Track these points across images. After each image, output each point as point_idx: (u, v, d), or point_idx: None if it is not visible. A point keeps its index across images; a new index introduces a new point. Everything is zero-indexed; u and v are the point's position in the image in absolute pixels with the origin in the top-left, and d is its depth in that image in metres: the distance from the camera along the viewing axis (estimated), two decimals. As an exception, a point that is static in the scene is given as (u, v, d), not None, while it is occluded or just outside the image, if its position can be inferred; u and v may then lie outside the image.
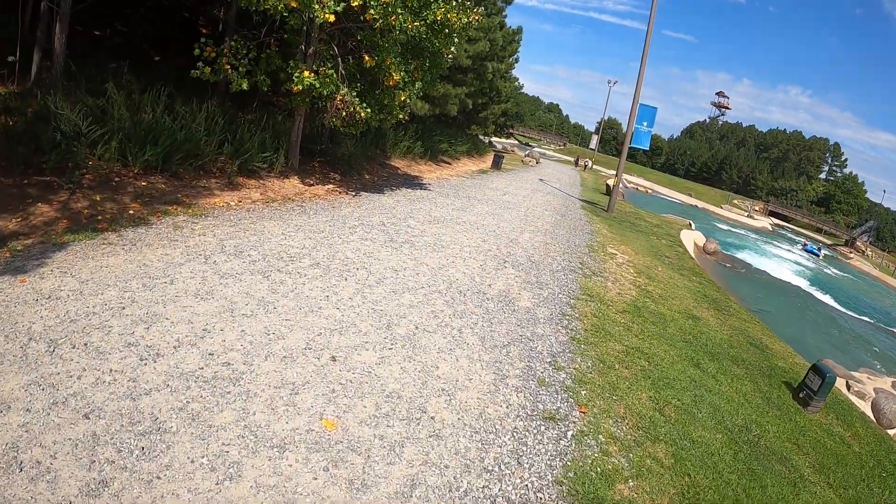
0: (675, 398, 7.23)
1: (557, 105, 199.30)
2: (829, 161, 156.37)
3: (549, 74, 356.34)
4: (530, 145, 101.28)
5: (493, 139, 66.42)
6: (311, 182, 15.06)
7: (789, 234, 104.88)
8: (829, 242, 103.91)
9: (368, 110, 13.49)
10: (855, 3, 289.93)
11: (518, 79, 53.96)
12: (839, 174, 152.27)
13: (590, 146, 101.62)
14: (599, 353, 8.12)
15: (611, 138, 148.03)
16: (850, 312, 40.01)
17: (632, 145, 27.86)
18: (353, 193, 15.39)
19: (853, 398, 12.06)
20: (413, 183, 20.46)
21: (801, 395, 8.62)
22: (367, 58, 13.31)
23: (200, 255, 8.07)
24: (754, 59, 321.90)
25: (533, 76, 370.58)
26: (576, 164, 74.75)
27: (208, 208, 10.54)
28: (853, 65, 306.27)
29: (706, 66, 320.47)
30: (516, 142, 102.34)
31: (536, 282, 11.07)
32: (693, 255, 24.61)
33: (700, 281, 16.85)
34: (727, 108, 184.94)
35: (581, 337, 8.60)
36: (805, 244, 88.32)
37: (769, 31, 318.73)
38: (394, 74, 13.48)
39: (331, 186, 15.37)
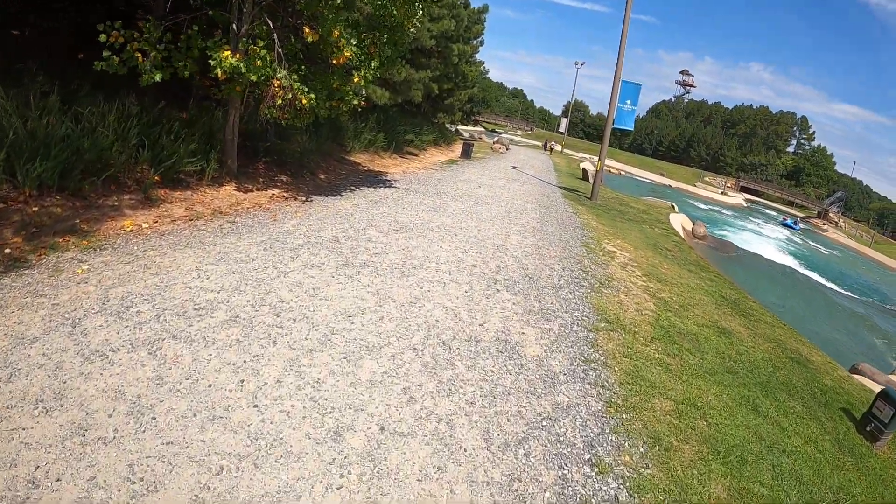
0: (754, 480, 5.37)
1: (522, 90, 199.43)
2: (797, 135, 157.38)
3: (513, 60, 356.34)
4: (497, 132, 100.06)
5: (460, 127, 64.68)
6: (252, 188, 12.43)
7: (764, 210, 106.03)
8: (801, 215, 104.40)
9: (313, 97, 10.96)
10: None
11: (484, 63, 51.98)
12: (807, 147, 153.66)
13: (559, 129, 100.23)
14: (648, 425, 5.78)
15: (578, 121, 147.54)
16: (847, 293, 40.09)
17: (615, 126, 25.39)
18: (304, 199, 12.78)
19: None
20: (376, 180, 17.79)
21: (868, 429, 7.18)
22: (308, 30, 10.69)
23: (68, 320, 5.48)
24: (715, 38, 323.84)
25: (497, 62, 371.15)
26: (544, 147, 73.01)
27: (110, 236, 7.94)
28: (813, 39, 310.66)
29: (668, 46, 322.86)
30: (483, 129, 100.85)
31: (540, 309, 8.51)
32: (689, 244, 22.44)
33: (710, 277, 14.96)
34: (692, 86, 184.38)
35: (618, 398, 6.19)
36: (784, 219, 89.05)
37: (729, 9, 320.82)
38: (343, 50, 10.91)
39: (276, 192, 12.73)
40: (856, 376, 11.19)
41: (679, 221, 30.28)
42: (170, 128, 11.38)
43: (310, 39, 10.75)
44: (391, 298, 7.53)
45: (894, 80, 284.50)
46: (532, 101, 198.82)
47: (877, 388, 10.53)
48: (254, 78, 10.37)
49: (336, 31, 10.65)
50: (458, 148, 36.81)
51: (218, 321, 5.99)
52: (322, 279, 7.74)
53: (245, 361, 5.33)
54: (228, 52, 10.12)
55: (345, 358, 5.74)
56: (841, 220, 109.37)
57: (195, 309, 6.17)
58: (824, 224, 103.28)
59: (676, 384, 6.90)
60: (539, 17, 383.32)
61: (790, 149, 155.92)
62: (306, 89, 10.90)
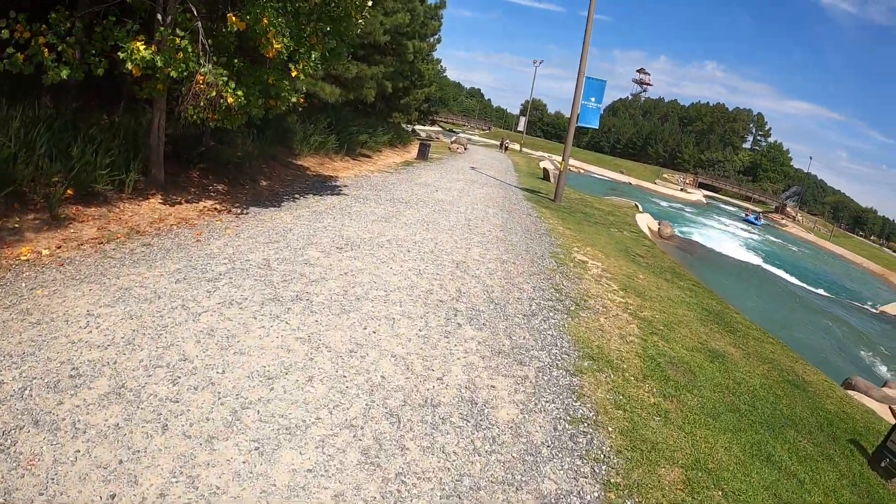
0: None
1: (479, 90, 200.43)
2: (754, 131, 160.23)
3: (470, 59, 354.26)
4: (455, 131, 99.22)
5: (417, 127, 63.32)
6: (181, 200, 10.78)
7: (723, 206, 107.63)
8: (759, 210, 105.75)
9: (241, 94, 9.40)
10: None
11: (441, 61, 50.72)
12: (764, 143, 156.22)
13: (517, 128, 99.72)
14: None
15: (536, 120, 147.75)
16: (817, 290, 40.43)
17: (580, 124, 24.09)
18: (239, 211, 11.17)
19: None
20: (324, 186, 16.20)
21: (883, 465, 6.53)
22: (233, 18, 9.15)
23: None
24: (670, 36, 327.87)
25: (454, 62, 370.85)
26: (500, 147, 72.18)
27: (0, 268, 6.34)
28: (766, 38, 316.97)
29: (623, 45, 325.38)
30: (440, 129, 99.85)
31: (511, 348, 7.04)
32: (660, 248, 21.32)
33: (688, 286, 13.90)
34: (648, 84, 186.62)
35: (618, 475, 4.88)
36: (746, 214, 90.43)
37: (682, 8, 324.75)
38: (273, 41, 9.39)
39: (208, 204, 11.13)
40: (851, 392, 10.90)
41: (645, 222, 29.47)
42: (87, 134, 9.78)
43: (235, 28, 9.19)
44: (326, 346, 5.96)
45: (845, 77, 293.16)
46: (489, 100, 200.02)
47: (875, 406, 10.71)
48: (174, 73, 8.84)
49: (266, 19, 9.12)
50: (414, 149, 35.31)
51: (97, 395, 4.41)
52: (241, 322, 6.16)
53: (121, 462, 3.77)
54: (141, 44, 8.55)
55: (257, 449, 4.17)
56: (798, 215, 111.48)
57: (72, 377, 4.58)
58: (782, 219, 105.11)
59: (681, 439, 5.74)
60: (495, 16, 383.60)
61: (747, 145, 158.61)
62: (233, 86, 9.35)
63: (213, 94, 9.17)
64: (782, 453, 6.10)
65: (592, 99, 23.80)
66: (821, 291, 40.49)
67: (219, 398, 4.69)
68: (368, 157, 27.15)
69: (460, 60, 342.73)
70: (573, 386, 6.34)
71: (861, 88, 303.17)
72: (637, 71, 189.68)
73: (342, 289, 7.74)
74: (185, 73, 9.00)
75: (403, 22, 24.15)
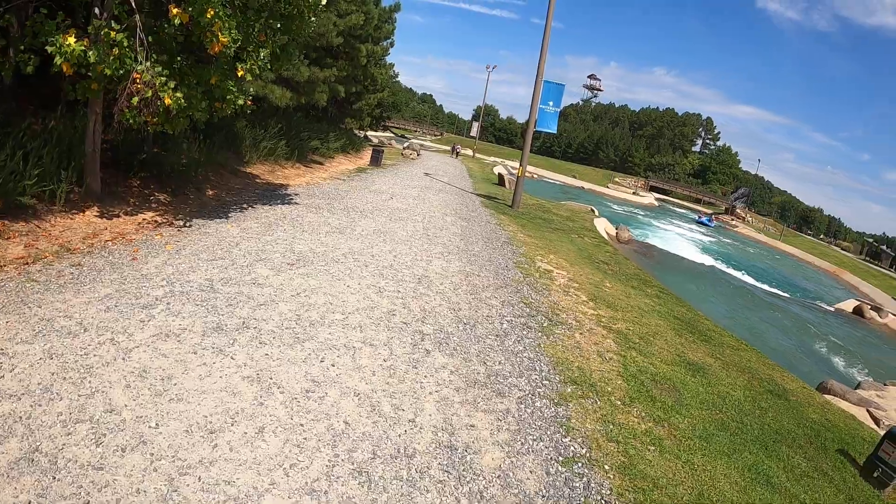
0: None
1: (431, 95, 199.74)
2: (703, 135, 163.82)
3: (421, 65, 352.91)
4: (407, 137, 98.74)
5: (370, 133, 62.56)
6: (120, 212, 9.82)
7: (674, 209, 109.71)
8: (710, 212, 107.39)
9: (180, 95, 8.56)
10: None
11: (394, 65, 50.00)
12: (713, 147, 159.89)
13: (470, 134, 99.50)
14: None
15: (488, 125, 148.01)
16: (774, 290, 40.90)
17: (538, 129, 23.60)
18: (181, 224, 10.22)
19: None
20: (274, 195, 15.31)
21: (875, 475, 6.43)
22: (174, 9, 8.30)
23: None
24: (621, 43, 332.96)
25: (406, 67, 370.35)
26: (452, 152, 71.79)
27: None
28: (714, 44, 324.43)
29: (575, 51, 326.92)
30: (392, 135, 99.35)
31: (487, 376, 6.33)
32: (622, 254, 20.90)
33: (656, 293, 13.62)
34: (599, 90, 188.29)
35: None
36: (699, 217, 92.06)
37: (633, 15, 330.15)
38: (220, 35, 8.57)
39: (149, 216, 10.21)
40: (828, 397, 10.96)
41: (603, 226, 29.58)
42: (18, 140, 8.84)
43: (177, 21, 8.33)
44: (278, 386, 5.12)
45: (790, 82, 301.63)
46: (441, 105, 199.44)
47: (853, 410, 10.85)
48: (108, 71, 7.95)
49: (210, 11, 8.30)
50: (367, 155, 34.47)
51: (6, 462, 3.54)
52: (179, 359, 5.27)
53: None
54: (72, 38, 7.68)
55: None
56: (748, 216, 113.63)
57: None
58: (732, 220, 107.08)
59: (680, 470, 5.33)
60: (448, 22, 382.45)
61: (696, 149, 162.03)
62: (172, 86, 8.51)
63: (150, 94, 8.33)
64: (779, 473, 5.87)
65: (550, 103, 23.37)
66: (777, 291, 40.88)
67: (152, 462, 3.82)
68: (320, 163, 26.27)
69: (412, 66, 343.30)
70: (560, 418, 5.69)
71: (805, 93, 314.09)
72: (588, 77, 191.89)
73: (295, 313, 6.91)
74: (121, 72, 8.15)
75: (357, 23, 23.25)
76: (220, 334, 5.93)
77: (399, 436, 4.76)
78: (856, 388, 14.35)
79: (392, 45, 39.21)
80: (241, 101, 10.10)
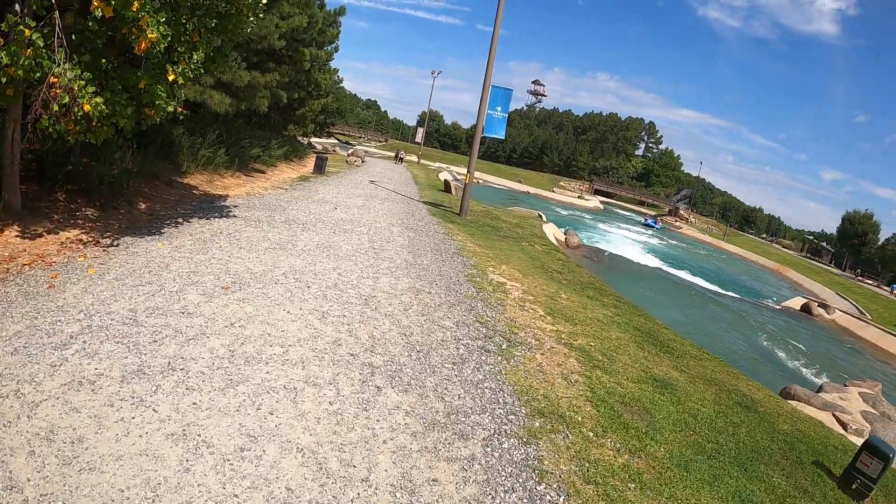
0: None
1: (376, 101, 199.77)
2: (646, 139, 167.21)
3: (366, 71, 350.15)
4: (352, 144, 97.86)
5: (314, 140, 61.51)
6: (42, 230, 8.89)
7: (619, 211, 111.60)
8: (653, 213, 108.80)
9: (100, 101, 7.71)
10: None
11: (338, 71, 49.15)
12: (656, 150, 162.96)
13: (415, 140, 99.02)
14: None
15: (433, 131, 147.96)
16: (722, 290, 41.45)
17: (485, 135, 23.08)
18: (109, 242, 9.32)
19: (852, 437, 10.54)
20: (212, 207, 14.41)
21: (854, 487, 6.44)
22: (95, 1, 7.47)
23: None
24: (564, 49, 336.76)
25: (351, 73, 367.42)
26: (396, 158, 71.15)
27: None
28: (656, 50, 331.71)
29: (519, 57, 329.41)
30: (337, 141, 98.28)
31: (447, 415, 5.67)
32: (574, 260, 20.49)
33: (612, 303, 13.26)
34: (543, 95, 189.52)
35: None
36: (645, 219, 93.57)
37: (577, 21, 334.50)
38: (146, 30, 7.77)
39: (73, 234, 9.28)
40: (793, 403, 11.01)
41: (552, 232, 29.10)
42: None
43: (99, 13, 7.51)
44: (207, 445, 4.33)
45: (728, 87, 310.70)
46: (386, 112, 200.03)
47: (819, 415, 11.10)
48: (20, 74, 7.10)
49: (136, 3, 7.49)
50: (310, 162, 33.52)
51: None
52: (93, 413, 4.45)
53: None
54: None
55: None
56: (691, 216, 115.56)
57: None
58: (676, 221, 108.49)
59: None
60: (393, 28, 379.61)
61: (639, 152, 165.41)
62: (92, 90, 7.69)
63: (67, 100, 7.50)
64: (762, 496, 5.68)
65: (499, 108, 22.88)
66: (726, 291, 41.32)
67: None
68: (262, 172, 25.33)
69: (357, 72, 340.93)
70: (531, 460, 5.10)
71: (745, 97, 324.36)
72: (532, 82, 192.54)
73: (228, 348, 6.11)
74: (37, 75, 7.31)
75: (301, 26, 22.31)
76: (142, 379, 5.12)
77: (352, 501, 4.06)
78: (818, 392, 14.39)
79: (337, 49, 38.42)
80: (171, 108, 9.26)
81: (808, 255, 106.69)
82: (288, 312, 7.53)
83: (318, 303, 8.19)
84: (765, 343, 26.10)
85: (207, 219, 12.82)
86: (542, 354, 8.08)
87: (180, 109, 9.53)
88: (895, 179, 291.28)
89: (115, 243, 9.36)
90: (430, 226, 18.82)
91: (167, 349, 5.80)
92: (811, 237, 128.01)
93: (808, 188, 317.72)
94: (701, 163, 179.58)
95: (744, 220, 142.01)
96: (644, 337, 10.67)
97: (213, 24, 9.56)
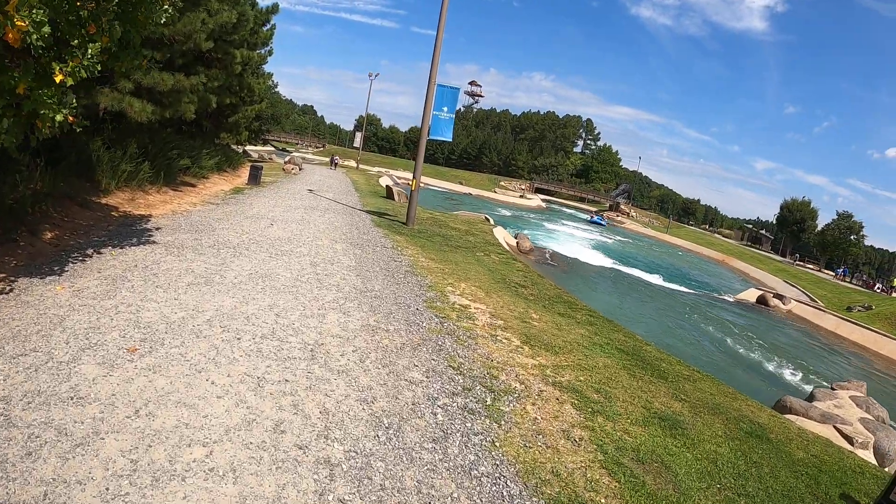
0: None
1: (312, 107, 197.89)
2: (584, 136, 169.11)
3: (302, 76, 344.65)
4: (289, 151, 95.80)
5: (248, 148, 59.25)
6: None
7: (562, 209, 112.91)
8: (594, 210, 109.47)
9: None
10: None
11: (273, 75, 47.14)
12: (594, 147, 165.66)
13: (353, 144, 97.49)
14: None
15: (371, 135, 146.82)
16: (676, 287, 41.45)
17: (431, 137, 21.54)
18: (1, 288, 7.55)
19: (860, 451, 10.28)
20: (130, 232, 12.49)
21: None
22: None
23: None
24: (499, 50, 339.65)
25: (286, 79, 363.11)
26: (331, 163, 69.44)
27: None
28: (589, 49, 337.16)
29: (455, 59, 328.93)
30: (274, 148, 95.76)
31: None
32: (534, 269, 19.16)
33: (587, 320, 12.19)
34: (480, 95, 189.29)
35: None
36: (591, 216, 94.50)
37: (511, 22, 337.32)
38: (13, 16, 6.08)
39: (-54, 279, 7.55)
40: (791, 417, 10.80)
41: (502, 236, 28.18)
42: None
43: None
44: None
45: (661, 83, 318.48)
46: (322, 117, 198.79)
47: (823, 431, 10.56)
48: None
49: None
50: (245, 172, 31.39)
51: None
52: None
53: None
54: None
55: None
56: (632, 211, 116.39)
57: None
58: (618, 216, 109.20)
59: None
60: (328, 32, 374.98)
61: (578, 149, 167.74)
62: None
63: None
64: None
65: (445, 109, 21.38)
66: (680, 287, 41.15)
67: None
68: (192, 185, 23.31)
69: (292, 77, 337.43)
70: None
71: (678, 93, 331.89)
72: (469, 83, 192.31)
73: (129, 457, 4.33)
74: None
75: (229, 21, 20.22)
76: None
77: None
78: (811, 401, 13.87)
79: (271, 53, 36.48)
80: (59, 117, 7.46)
81: (749, 243, 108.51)
82: (212, 384, 5.76)
83: (252, 363, 6.44)
84: (735, 345, 25.52)
85: (122, 247, 11.00)
86: (534, 405, 6.65)
87: (72, 119, 7.69)
88: (825, 167, 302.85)
89: (7, 288, 7.58)
90: (377, 239, 17.19)
91: (42, 470, 4.02)
92: (750, 226, 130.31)
93: (741, 178, 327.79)
94: (640, 157, 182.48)
95: (683, 211, 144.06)
96: (631, 360, 9.60)
97: (116, 10, 7.81)
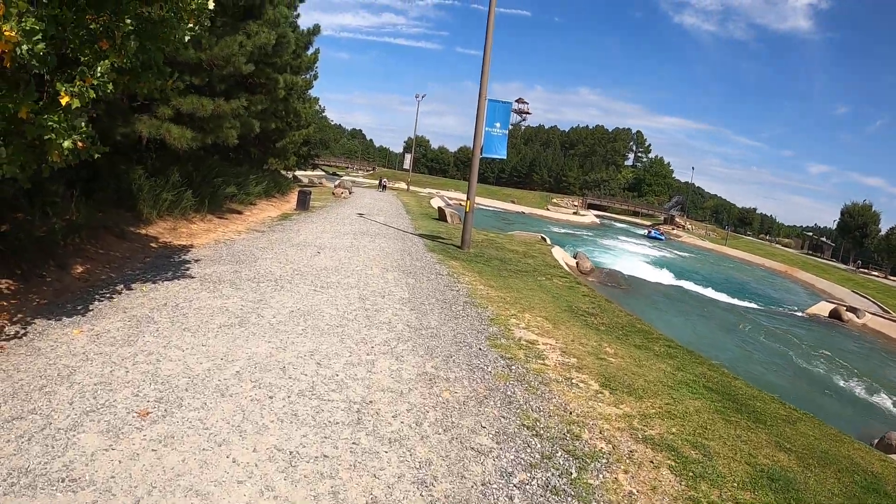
0: None
1: (361, 130, 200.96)
2: (634, 148, 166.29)
3: (349, 102, 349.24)
4: (339, 174, 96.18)
5: (298, 173, 59.19)
6: None
7: (616, 224, 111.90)
8: (649, 224, 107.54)
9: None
10: (633, 6, 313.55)
11: (319, 99, 46.93)
12: (645, 159, 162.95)
13: (403, 166, 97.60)
14: None
15: (420, 156, 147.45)
16: (744, 303, 39.97)
17: (484, 155, 20.40)
18: (16, 331, 6.79)
19: None
20: (167, 265, 11.66)
21: None
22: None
23: None
24: (543, 66, 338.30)
25: (334, 105, 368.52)
26: (379, 185, 69.33)
27: None
28: (633, 60, 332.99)
29: (500, 78, 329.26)
30: (324, 173, 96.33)
31: None
32: (599, 292, 17.84)
33: (666, 351, 10.72)
34: (528, 112, 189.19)
35: None
36: (648, 231, 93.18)
37: (553, 38, 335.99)
38: (3, 27, 5.22)
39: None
40: None
41: (561, 256, 26.65)
42: None
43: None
44: None
45: (708, 91, 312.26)
46: (371, 140, 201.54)
47: None
48: None
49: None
50: (294, 198, 30.82)
51: None
52: None
53: None
54: None
55: None
56: (687, 223, 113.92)
57: None
58: (674, 229, 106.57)
59: None
60: (373, 56, 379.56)
61: (629, 162, 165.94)
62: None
63: None
64: None
65: (497, 125, 20.20)
66: (748, 304, 39.46)
67: None
68: (239, 212, 22.69)
69: (340, 103, 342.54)
70: None
71: (726, 99, 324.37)
72: (516, 101, 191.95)
73: None
74: None
75: (268, 43, 19.46)
76: None
77: None
78: None
79: (316, 77, 36.22)
80: (67, 143, 6.53)
81: (810, 251, 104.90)
82: (234, 462, 4.61)
83: (285, 431, 5.25)
84: (817, 367, 23.80)
85: (155, 282, 10.15)
86: (626, 473, 5.44)
87: (81, 145, 6.74)
88: (881, 168, 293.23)
89: (22, 332, 6.81)
90: (431, 266, 16.09)
91: None
92: (809, 233, 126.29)
93: (795, 184, 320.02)
94: (693, 168, 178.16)
95: (739, 221, 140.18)
96: (722, 400, 8.28)
97: (131, 26, 6.90)
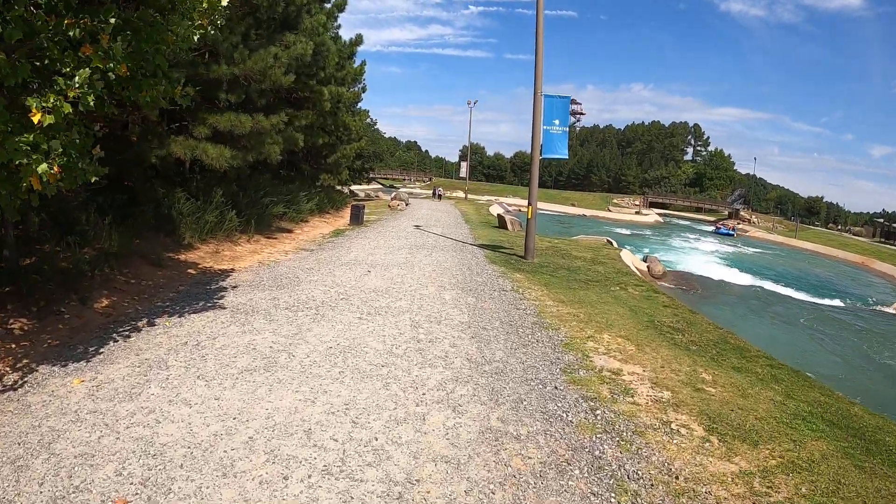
0: None
1: (416, 142, 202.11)
2: (693, 143, 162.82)
3: (403, 115, 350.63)
4: (396, 187, 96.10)
5: (354, 187, 58.61)
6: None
7: (679, 222, 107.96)
8: (713, 219, 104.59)
9: None
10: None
11: (369, 112, 46.27)
12: (705, 153, 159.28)
13: (459, 175, 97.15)
14: None
15: (476, 163, 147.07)
16: (828, 301, 37.10)
17: (544, 156, 18.84)
18: (14, 380, 5.99)
19: None
20: (200, 294, 10.59)
21: None
22: None
23: None
24: (594, 65, 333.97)
25: (388, 119, 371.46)
26: (433, 195, 68.89)
27: None
28: (684, 52, 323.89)
29: (550, 81, 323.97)
30: (380, 186, 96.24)
31: None
32: (679, 300, 16.10)
33: (770, 374, 8.94)
34: (582, 113, 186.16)
35: None
36: (717, 227, 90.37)
37: (602, 36, 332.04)
38: None
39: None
40: None
41: (630, 260, 24.93)
42: None
43: None
44: None
45: (762, 78, 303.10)
46: (427, 151, 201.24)
47: None
48: None
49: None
50: (348, 213, 29.89)
51: None
52: None
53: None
54: None
55: None
56: (753, 216, 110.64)
57: None
58: (739, 223, 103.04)
59: None
60: (424, 69, 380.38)
61: (688, 157, 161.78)
62: None
63: None
64: None
65: (556, 122, 18.59)
66: (830, 301, 36.69)
67: None
68: (289, 231, 21.78)
69: (394, 116, 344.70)
70: None
71: (781, 85, 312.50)
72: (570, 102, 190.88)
73: None
74: None
75: (305, 53, 18.40)
76: None
77: None
78: None
79: (364, 89, 35.42)
80: (42, 167, 5.35)
81: (882, 239, 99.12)
82: None
83: None
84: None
85: (182, 315, 9.09)
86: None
87: (56, 170, 5.53)
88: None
89: (20, 381, 5.95)
90: (493, 280, 14.63)
91: None
92: (880, 220, 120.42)
93: (859, 168, 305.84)
94: (755, 158, 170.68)
95: (806, 211, 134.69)
96: (847, 437, 6.56)
97: (113, 20, 5.73)
